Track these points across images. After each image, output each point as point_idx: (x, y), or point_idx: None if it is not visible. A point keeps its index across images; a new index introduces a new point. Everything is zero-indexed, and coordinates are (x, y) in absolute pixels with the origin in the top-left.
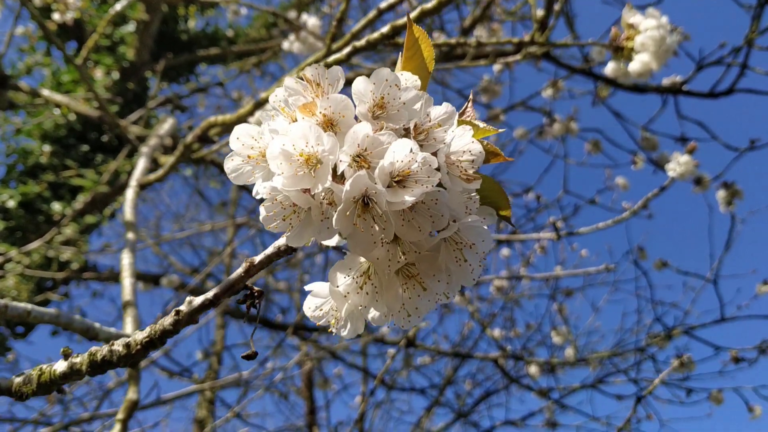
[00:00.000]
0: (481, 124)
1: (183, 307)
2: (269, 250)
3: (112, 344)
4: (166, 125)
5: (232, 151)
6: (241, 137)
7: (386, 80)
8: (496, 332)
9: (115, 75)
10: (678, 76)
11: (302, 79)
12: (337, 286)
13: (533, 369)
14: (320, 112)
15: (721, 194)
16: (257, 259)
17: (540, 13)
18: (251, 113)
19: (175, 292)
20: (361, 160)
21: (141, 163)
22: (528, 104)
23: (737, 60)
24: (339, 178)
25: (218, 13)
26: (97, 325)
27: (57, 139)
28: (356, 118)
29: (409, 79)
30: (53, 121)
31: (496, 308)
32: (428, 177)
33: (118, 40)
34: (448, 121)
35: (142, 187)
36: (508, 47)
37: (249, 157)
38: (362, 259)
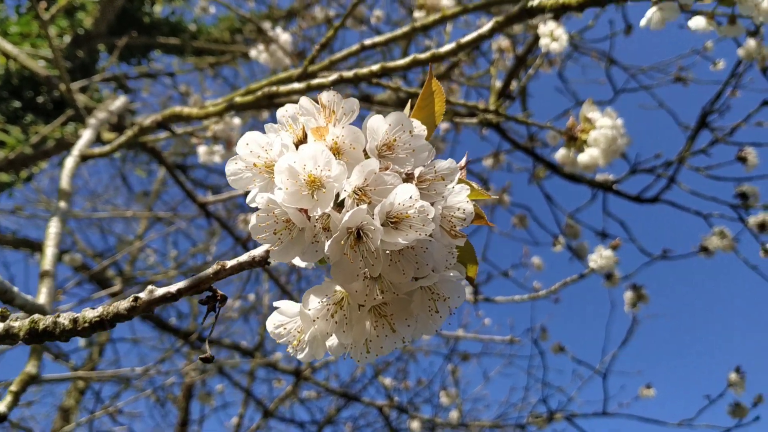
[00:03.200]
0: (476, 186)
1: (143, 295)
2: (243, 257)
3: (58, 316)
4: (118, 102)
5: (236, 154)
6: (250, 144)
7: (401, 124)
8: (387, 381)
9: (67, 39)
10: (611, 174)
11: (316, 101)
12: (309, 309)
13: (415, 424)
14: (332, 139)
15: (628, 295)
16: (229, 263)
17: (498, 84)
18: (221, 114)
19: (75, 271)
20: (361, 194)
21: (87, 134)
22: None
23: (667, 172)
24: (337, 206)
25: (186, 5)
26: (15, 289)
27: None
28: (364, 152)
29: (418, 128)
30: None
31: (392, 357)
32: (423, 225)
33: (78, 5)
34: (449, 177)
35: (84, 158)
36: (460, 109)
37: (254, 165)
38: (338, 289)
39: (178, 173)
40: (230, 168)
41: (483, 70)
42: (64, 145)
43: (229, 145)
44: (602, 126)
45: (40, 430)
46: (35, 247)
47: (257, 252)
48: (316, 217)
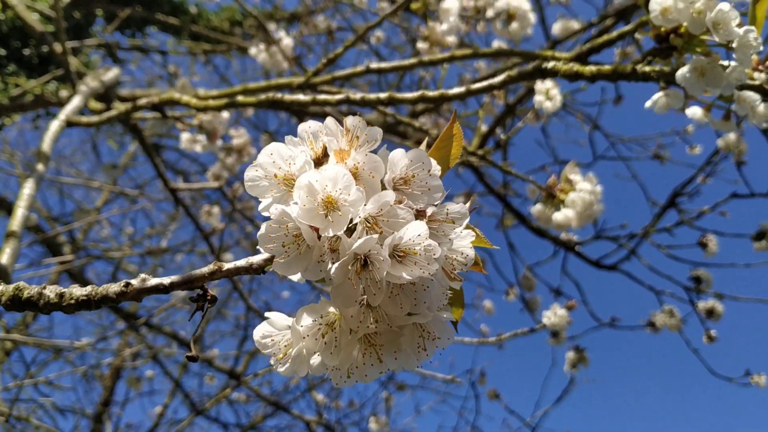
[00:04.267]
0: (480, 233)
1: (134, 282)
2: (241, 262)
3: (44, 287)
4: (111, 74)
5: (256, 163)
6: (274, 154)
7: (422, 162)
8: (320, 397)
9: None
10: (575, 235)
11: (341, 123)
12: (300, 326)
13: None
14: (353, 164)
15: (570, 355)
16: (225, 266)
17: (484, 129)
18: (219, 109)
19: (27, 231)
20: (373, 222)
21: (76, 101)
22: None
23: (630, 243)
24: (347, 230)
25: None
26: None
27: None
28: (381, 182)
29: (435, 168)
30: None
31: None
32: (427, 264)
33: None
34: (459, 221)
35: (69, 124)
36: None
37: (275, 176)
38: (333, 311)
39: (154, 155)
40: (249, 174)
41: (471, 110)
42: (42, 103)
43: (213, 136)
44: (582, 189)
45: None
46: None
47: (255, 259)
48: (327, 238)
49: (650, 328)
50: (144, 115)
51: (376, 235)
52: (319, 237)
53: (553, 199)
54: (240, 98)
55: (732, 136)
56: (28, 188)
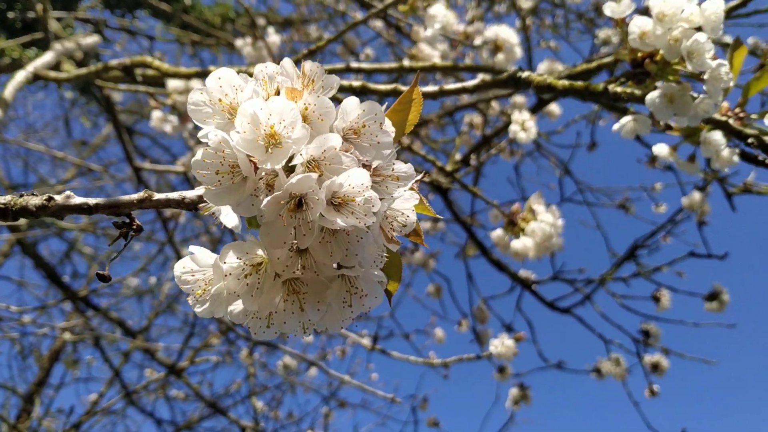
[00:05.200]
0: (425, 200)
1: (58, 198)
2: (173, 195)
3: None
4: (90, 39)
5: (203, 86)
6: (222, 79)
7: (375, 114)
8: (260, 404)
9: None
10: (534, 274)
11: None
12: (224, 263)
13: None
14: (303, 104)
15: (513, 392)
16: (156, 195)
17: (458, 157)
18: (190, 77)
19: None
20: (315, 165)
21: (47, 56)
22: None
23: (585, 289)
24: (287, 168)
25: None
26: None
27: None
28: (331, 128)
29: (388, 125)
30: None
31: (273, 383)
32: (365, 215)
33: None
34: (405, 180)
35: (37, 78)
36: (418, 163)
37: (219, 101)
38: (260, 252)
39: (123, 132)
40: (193, 98)
41: (449, 137)
42: (19, 67)
43: (185, 119)
44: (543, 221)
45: None
46: None
47: (189, 194)
48: (264, 172)
49: (595, 374)
50: (117, 86)
51: (315, 174)
52: (257, 170)
53: (514, 227)
54: (212, 68)
55: (697, 196)
56: None
